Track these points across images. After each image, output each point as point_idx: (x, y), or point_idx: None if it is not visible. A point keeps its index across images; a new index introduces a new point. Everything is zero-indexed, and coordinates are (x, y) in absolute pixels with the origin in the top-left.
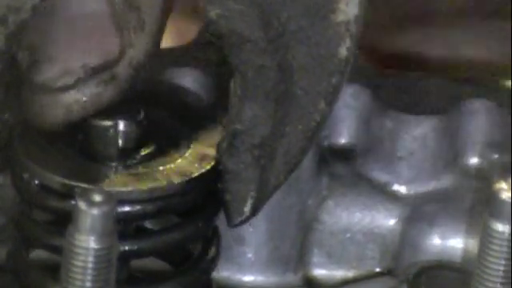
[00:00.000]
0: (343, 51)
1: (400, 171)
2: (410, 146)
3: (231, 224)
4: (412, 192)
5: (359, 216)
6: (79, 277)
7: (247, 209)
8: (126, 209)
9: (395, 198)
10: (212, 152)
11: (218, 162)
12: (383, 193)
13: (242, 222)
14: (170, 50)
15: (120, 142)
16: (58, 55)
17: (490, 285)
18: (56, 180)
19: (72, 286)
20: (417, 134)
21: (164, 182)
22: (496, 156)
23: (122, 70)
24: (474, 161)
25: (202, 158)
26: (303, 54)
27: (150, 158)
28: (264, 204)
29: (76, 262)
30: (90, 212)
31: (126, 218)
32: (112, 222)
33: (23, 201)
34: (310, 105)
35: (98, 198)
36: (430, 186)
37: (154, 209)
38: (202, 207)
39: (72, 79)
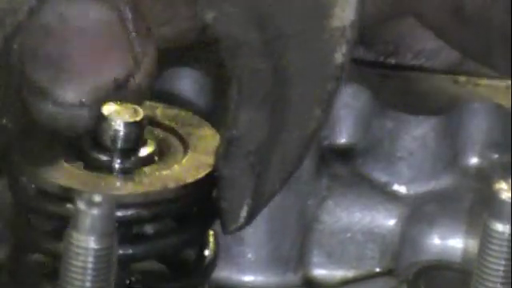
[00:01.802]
0: (339, 57)
1: (400, 171)
2: (409, 146)
3: (226, 231)
4: (412, 192)
5: (359, 216)
6: (79, 277)
7: (242, 216)
8: (121, 213)
9: (395, 198)
10: (209, 160)
11: (214, 169)
12: (383, 193)
13: (238, 230)
14: (170, 50)
15: (119, 142)
16: (87, 70)
17: (490, 285)
18: (53, 184)
19: (72, 287)
20: (417, 134)
21: (159, 187)
22: (496, 156)
23: (143, 80)
24: (473, 161)
25: (199, 166)
26: (299, 58)
27: (147, 162)
28: (260, 211)
29: (76, 263)
30: (90, 212)
31: (121, 222)
32: (112, 222)
33: (19, 205)
34: (305, 111)
35: (97, 198)
36: (430, 186)
37: (149, 213)
38: (199, 213)
39: (102, 94)
